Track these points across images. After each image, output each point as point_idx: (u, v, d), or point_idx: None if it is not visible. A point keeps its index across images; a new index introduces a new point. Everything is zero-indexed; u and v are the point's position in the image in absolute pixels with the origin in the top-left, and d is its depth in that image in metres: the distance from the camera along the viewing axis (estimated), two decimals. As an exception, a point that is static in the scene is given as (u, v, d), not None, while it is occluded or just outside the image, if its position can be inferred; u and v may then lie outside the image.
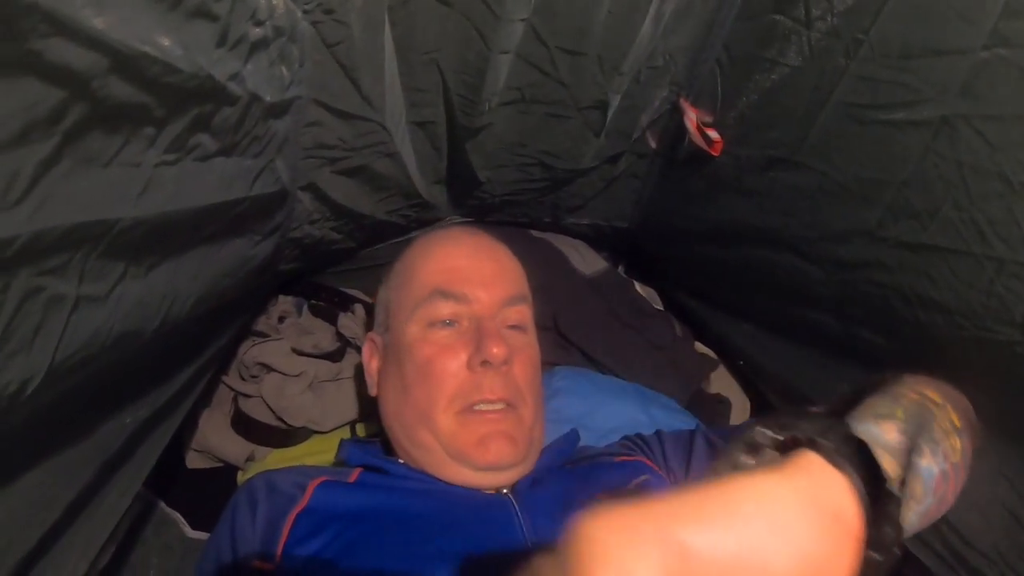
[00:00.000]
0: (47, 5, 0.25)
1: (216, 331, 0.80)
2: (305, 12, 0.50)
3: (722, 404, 0.97)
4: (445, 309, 0.64)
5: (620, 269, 1.10)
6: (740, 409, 0.99)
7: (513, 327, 0.67)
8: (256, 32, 0.44)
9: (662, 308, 1.04)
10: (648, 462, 0.67)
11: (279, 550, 0.54)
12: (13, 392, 0.38)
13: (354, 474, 0.63)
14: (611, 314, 0.95)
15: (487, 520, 0.57)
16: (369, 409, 0.98)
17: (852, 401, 0.42)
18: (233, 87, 0.43)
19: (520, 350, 0.66)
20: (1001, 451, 0.62)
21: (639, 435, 0.73)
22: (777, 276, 0.81)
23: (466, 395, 0.61)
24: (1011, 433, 0.61)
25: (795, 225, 0.75)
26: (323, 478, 0.60)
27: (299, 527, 0.55)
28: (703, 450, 0.67)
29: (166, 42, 0.33)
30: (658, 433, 0.72)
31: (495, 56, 0.63)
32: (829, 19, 0.62)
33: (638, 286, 1.04)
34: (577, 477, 0.64)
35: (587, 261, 1.02)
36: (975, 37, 0.52)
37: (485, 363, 0.61)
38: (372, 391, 0.72)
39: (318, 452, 0.95)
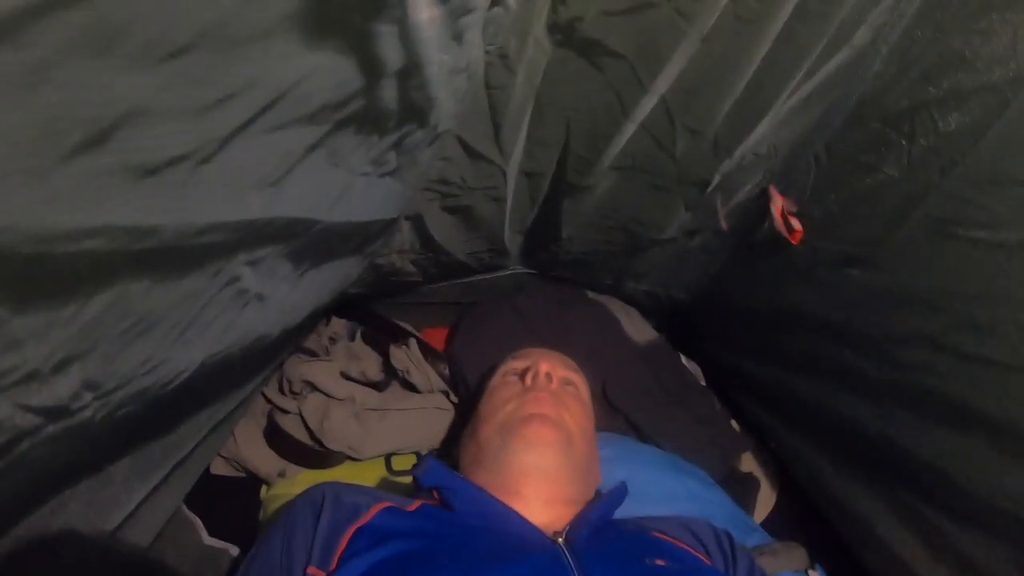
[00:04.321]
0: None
1: (289, 345, 0.75)
2: (487, 52, 0.49)
3: (751, 483, 0.93)
4: (516, 364, 0.75)
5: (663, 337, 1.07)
6: (768, 489, 0.95)
7: (568, 385, 0.74)
8: (456, 61, 0.42)
9: (704, 383, 1.02)
10: (709, 562, 0.63)
11: (335, 560, 0.51)
12: (164, 383, 0.34)
13: (415, 505, 0.60)
14: (658, 384, 0.92)
15: (540, 565, 0.53)
16: (407, 444, 0.91)
17: None
18: (433, 113, 0.41)
19: (571, 397, 0.71)
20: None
21: (729, 536, 0.68)
22: (829, 367, 0.80)
23: (516, 408, 0.67)
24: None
25: (859, 322, 0.74)
26: (388, 503, 0.58)
27: (356, 542, 0.52)
28: None
29: (435, 59, 0.31)
30: (735, 553, 0.67)
31: (625, 124, 0.62)
32: (931, 138, 0.63)
33: (683, 359, 1.02)
34: (641, 542, 0.61)
35: (638, 329, 1.00)
36: (1059, 175, 0.53)
37: (535, 376, 0.70)
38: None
39: (350, 479, 0.88)
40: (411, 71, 0.29)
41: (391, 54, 0.26)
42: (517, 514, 0.59)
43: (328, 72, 0.23)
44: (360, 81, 0.26)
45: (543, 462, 0.62)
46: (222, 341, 0.38)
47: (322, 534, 0.53)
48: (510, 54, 0.51)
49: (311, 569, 0.51)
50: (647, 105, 0.61)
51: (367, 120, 0.30)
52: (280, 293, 0.42)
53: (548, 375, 0.71)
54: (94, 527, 0.43)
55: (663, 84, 0.59)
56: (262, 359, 0.65)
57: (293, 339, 0.72)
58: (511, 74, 0.53)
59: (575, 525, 0.59)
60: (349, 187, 0.37)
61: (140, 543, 0.56)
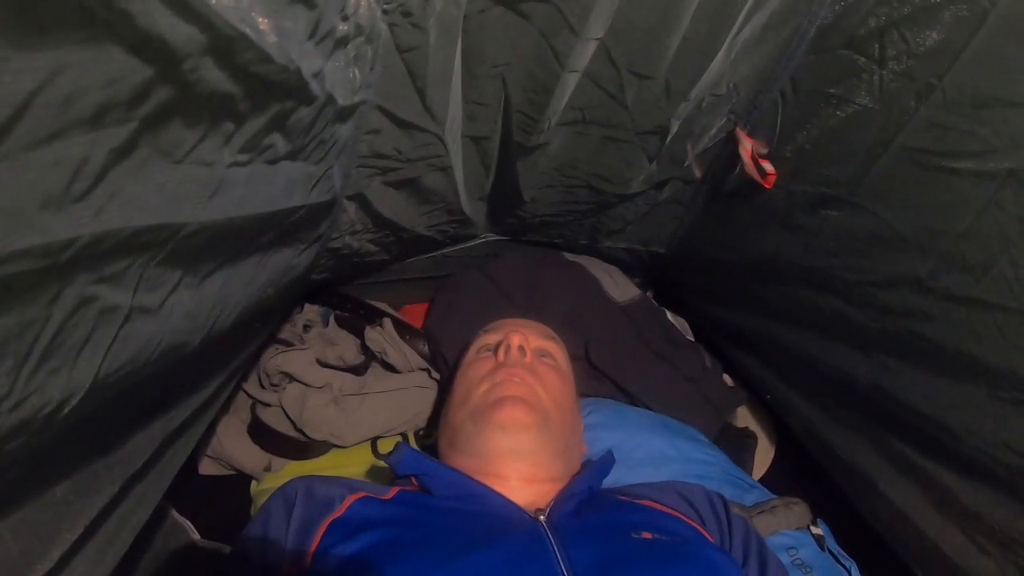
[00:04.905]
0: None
1: (247, 340, 0.74)
2: (385, 12, 0.44)
3: (748, 439, 0.91)
4: (488, 339, 0.73)
5: (649, 295, 1.04)
6: (766, 444, 0.93)
7: (544, 356, 0.71)
8: (342, 28, 0.38)
9: (692, 339, 0.98)
10: (703, 531, 0.61)
11: (309, 555, 0.50)
12: (49, 412, 0.32)
13: (392, 492, 0.59)
14: (643, 343, 0.89)
15: (519, 546, 0.52)
16: (391, 426, 0.91)
17: None
18: (314, 86, 0.37)
19: (547, 369, 0.69)
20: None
21: (723, 501, 0.66)
22: (815, 316, 0.76)
23: (488, 391, 0.65)
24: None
25: (841, 266, 0.70)
26: (363, 493, 0.57)
27: (331, 535, 0.51)
28: None
29: (264, 25, 0.27)
30: (729, 518, 0.65)
31: (564, 74, 0.57)
32: (904, 61, 0.57)
33: (669, 315, 0.99)
34: (627, 514, 0.59)
35: (620, 288, 0.96)
36: (1052, 91, 0.47)
37: (507, 349, 0.68)
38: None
39: (337, 467, 0.88)
40: (230, 46, 0.25)
41: (175, 34, 0.22)
42: (497, 494, 0.57)
43: (82, 70, 0.20)
44: (146, 70, 0.22)
45: (519, 445, 0.61)
46: (115, 360, 0.35)
47: (294, 530, 0.52)
48: (414, 11, 0.46)
49: (286, 566, 0.50)
50: (584, 52, 0.56)
51: (197, 109, 0.27)
52: (179, 300, 0.39)
53: (521, 348, 0.69)
54: (36, 555, 0.43)
55: (597, 27, 0.54)
56: (212, 362, 0.63)
57: (247, 336, 0.70)
58: (422, 33, 0.48)
59: (559, 501, 0.58)
60: (222, 181, 0.34)
61: (124, 534, 0.55)
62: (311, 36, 0.34)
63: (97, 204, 0.25)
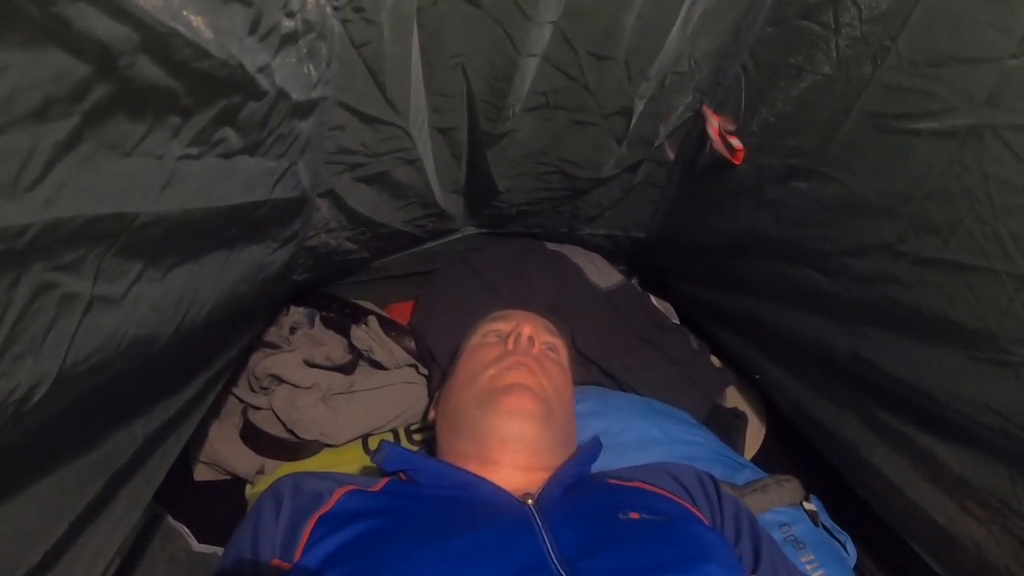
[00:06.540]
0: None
1: (229, 340, 0.76)
2: (335, 8, 0.47)
3: (738, 419, 0.93)
4: (499, 326, 0.75)
5: (634, 282, 1.06)
6: (756, 423, 0.95)
7: (551, 351, 0.74)
8: (287, 24, 0.41)
9: (678, 322, 1.01)
10: (694, 510, 0.63)
11: (299, 550, 0.52)
12: (19, 398, 0.34)
13: (380, 484, 0.61)
14: (628, 329, 0.92)
15: (507, 528, 0.54)
16: (381, 422, 0.94)
17: None
18: (262, 80, 0.40)
19: (552, 363, 0.71)
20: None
21: (712, 480, 0.68)
22: (792, 290, 0.78)
23: (496, 376, 0.67)
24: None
25: (813, 237, 0.72)
26: (352, 486, 0.59)
27: (320, 528, 0.53)
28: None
29: (197, 22, 0.30)
30: (720, 497, 0.66)
31: (522, 60, 0.60)
32: (857, 26, 0.59)
33: (654, 299, 1.01)
34: (615, 496, 0.61)
35: (603, 274, 0.99)
36: (1005, 45, 0.49)
37: (517, 338, 0.70)
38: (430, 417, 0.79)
39: (330, 466, 0.91)
40: (164, 43, 0.28)
41: (109, 33, 0.25)
42: (486, 481, 0.60)
43: (25, 69, 0.23)
44: (84, 68, 0.25)
45: (523, 433, 0.63)
46: (81, 349, 0.38)
47: (284, 526, 0.54)
48: (365, 6, 0.49)
49: (275, 561, 0.53)
50: (540, 36, 0.59)
51: (140, 103, 0.30)
52: (143, 292, 0.42)
53: (531, 339, 0.71)
54: (22, 549, 0.46)
55: (550, 10, 0.56)
56: (191, 360, 0.66)
57: (229, 336, 0.73)
58: (375, 27, 0.51)
59: (547, 487, 0.60)
60: (173, 173, 0.37)
61: (112, 534, 0.58)
62: (252, 32, 0.37)
63: (47, 193, 0.28)
